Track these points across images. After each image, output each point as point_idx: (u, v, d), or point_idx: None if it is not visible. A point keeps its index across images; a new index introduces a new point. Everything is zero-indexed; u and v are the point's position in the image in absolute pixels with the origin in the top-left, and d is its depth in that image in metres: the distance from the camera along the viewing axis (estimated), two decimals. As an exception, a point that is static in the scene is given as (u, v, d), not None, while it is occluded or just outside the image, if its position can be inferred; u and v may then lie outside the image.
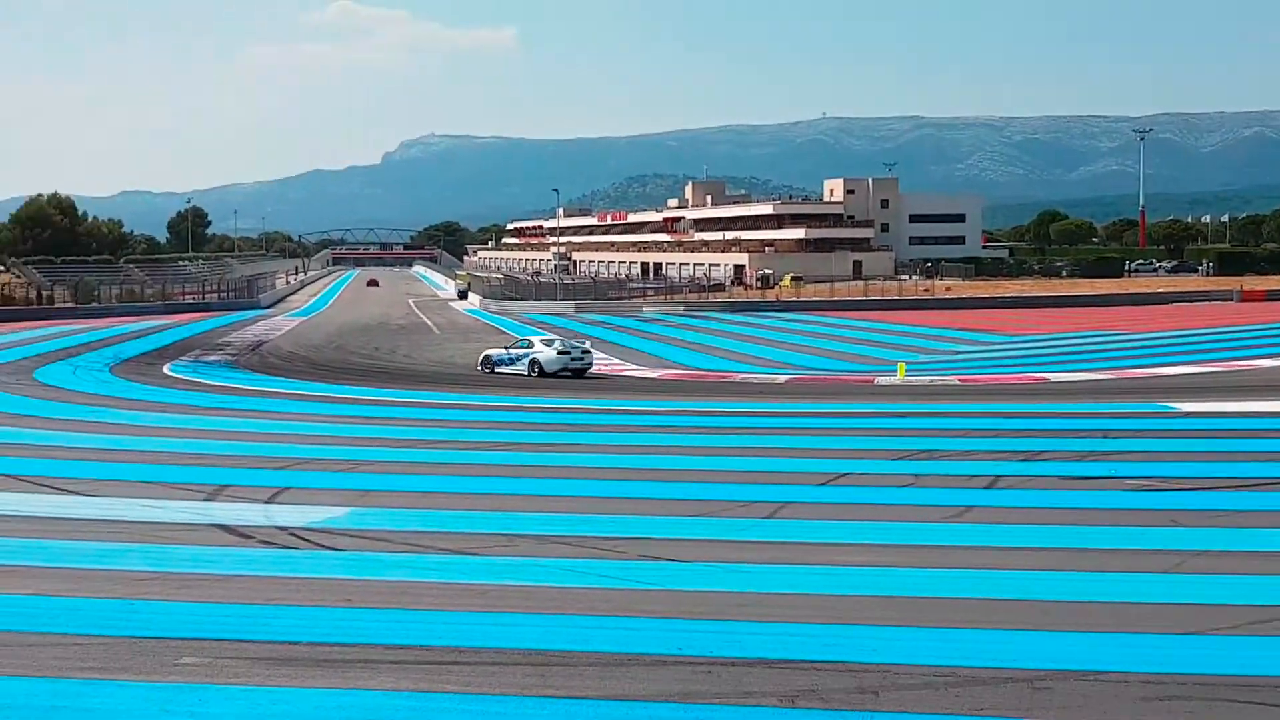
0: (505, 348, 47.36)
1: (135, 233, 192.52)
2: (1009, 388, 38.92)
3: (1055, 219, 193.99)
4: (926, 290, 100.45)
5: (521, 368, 44.12)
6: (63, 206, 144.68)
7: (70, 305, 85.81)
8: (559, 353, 43.76)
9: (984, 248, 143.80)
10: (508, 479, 21.50)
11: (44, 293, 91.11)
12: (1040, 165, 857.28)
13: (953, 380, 41.82)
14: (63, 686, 9.77)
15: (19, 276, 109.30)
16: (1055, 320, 70.07)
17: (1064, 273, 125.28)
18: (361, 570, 14.34)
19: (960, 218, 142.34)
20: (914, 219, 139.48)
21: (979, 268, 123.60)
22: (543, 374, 42.92)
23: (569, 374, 43.03)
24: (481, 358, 46.71)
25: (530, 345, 45.29)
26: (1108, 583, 13.73)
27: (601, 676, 10.07)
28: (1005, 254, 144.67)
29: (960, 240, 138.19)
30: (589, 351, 45.58)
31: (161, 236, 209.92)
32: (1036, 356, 50.79)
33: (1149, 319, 69.13)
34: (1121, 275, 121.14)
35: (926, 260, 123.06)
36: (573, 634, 11.30)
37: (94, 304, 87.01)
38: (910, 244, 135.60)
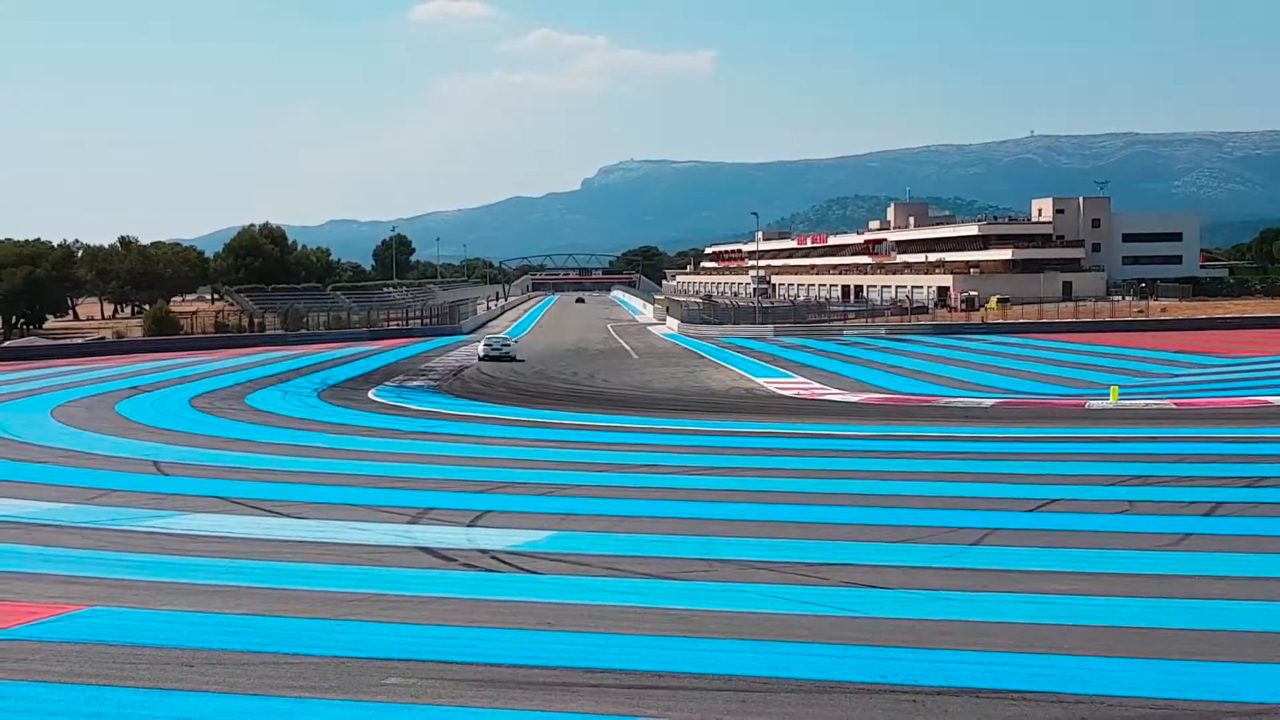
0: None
1: (342, 260, 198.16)
2: (1229, 411, 37.51)
3: (1279, 237, 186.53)
4: (1140, 311, 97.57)
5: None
6: (273, 236, 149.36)
7: (280, 332, 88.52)
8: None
9: (1202, 267, 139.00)
10: (708, 503, 21.43)
11: (255, 320, 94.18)
12: (1262, 181, 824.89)
13: (1168, 404, 40.48)
14: (274, 704, 9.96)
15: (232, 304, 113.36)
16: (1279, 342, 67.34)
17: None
18: (561, 594, 14.40)
19: (1176, 236, 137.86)
20: (1127, 238, 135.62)
21: (1197, 288, 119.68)
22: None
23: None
24: None
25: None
26: (1336, 614, 13.06)
27: (803, 704, 9.89)
28: (1225, 273, 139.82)
29: (1176, 260, 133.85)
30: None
31: (367, 264, 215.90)
32: (1258, 379, 48.85)
33: (1378, 339, 65.94)
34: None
35: (1141, 280, 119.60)
36: (774, 660, 11.13)
37: (303, 330, 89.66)
38: (1123, 264, 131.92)
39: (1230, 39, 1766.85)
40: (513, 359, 64.53)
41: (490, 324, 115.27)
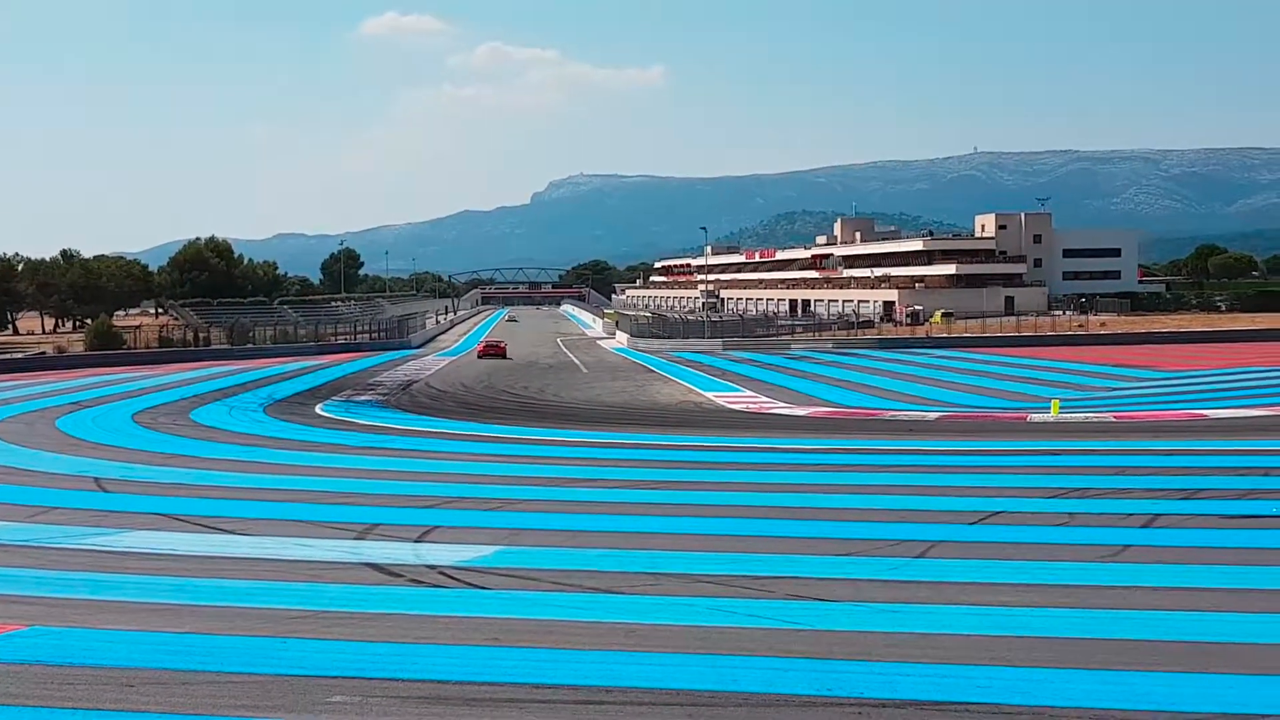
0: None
1: (289, 274, 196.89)
2: (1166, 424, 37.91)
3: (1214, 253, 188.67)
4: (1081, 326, 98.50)
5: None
6: (219, 249, 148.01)
7: (226, 346, 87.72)
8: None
9: (1140, 282, 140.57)
10: (655, 517, 21.46)
11: (201, 334, 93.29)
12: (1198, 199, 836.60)
13: (1108, 417, 40.87)
14: (217, 723, 9.91)
15: (177, 318, 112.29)
16: (1214, 356, 68.17)
17: (1223, 307, 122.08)
18: (509, 609, 14.39)
19: (1115, 252, 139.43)
20: (1068, 254, 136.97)
21: (1135, 303, 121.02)
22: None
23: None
24: None
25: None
26: (1270, 624, 13.28)
27: (750, 717, 9.94)
28: (1162, 289, 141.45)
29: (1115, 275, 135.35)
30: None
31: (315, 278, 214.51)
32: (1195, 393, 49.42)
33: (1315, 353, 66.83)
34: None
35: (1081, 295, 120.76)
36: (721, 674, 11.18)
37: (249, 345, 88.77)
38: (1064, 279, 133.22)
39: (1167, 59, 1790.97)
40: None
41: (439, 338, 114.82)
